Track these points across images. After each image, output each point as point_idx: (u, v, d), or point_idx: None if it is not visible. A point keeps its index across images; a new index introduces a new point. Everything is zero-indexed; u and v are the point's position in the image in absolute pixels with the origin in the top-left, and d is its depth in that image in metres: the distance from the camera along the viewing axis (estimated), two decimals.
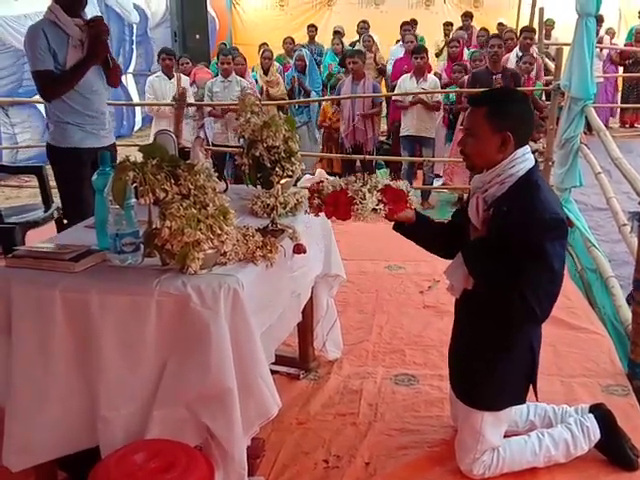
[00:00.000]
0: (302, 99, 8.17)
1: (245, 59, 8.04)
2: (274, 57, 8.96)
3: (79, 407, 2.16)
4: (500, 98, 2.35)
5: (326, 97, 8.13)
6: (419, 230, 2.52)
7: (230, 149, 6.93)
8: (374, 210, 2.26)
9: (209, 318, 2.03)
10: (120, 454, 2.01)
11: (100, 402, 2.12)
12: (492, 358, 2.40)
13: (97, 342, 2.09)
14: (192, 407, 2.11)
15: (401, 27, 9.91)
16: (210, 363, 2.04)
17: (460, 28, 10.90)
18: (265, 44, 9.78)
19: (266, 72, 8.40)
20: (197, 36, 11.45)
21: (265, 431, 2.60)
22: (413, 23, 10.48)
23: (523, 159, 2.27)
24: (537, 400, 2.58)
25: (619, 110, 11.52)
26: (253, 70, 9.19)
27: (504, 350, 2.39)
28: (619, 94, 11.62)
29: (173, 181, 2.08)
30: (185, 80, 7.68)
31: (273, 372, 2.43)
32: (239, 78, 7.38)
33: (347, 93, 7.13)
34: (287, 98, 8.18)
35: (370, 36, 9.92)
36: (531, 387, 2.49)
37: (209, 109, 7.29)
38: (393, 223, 2.49)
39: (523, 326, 2.36)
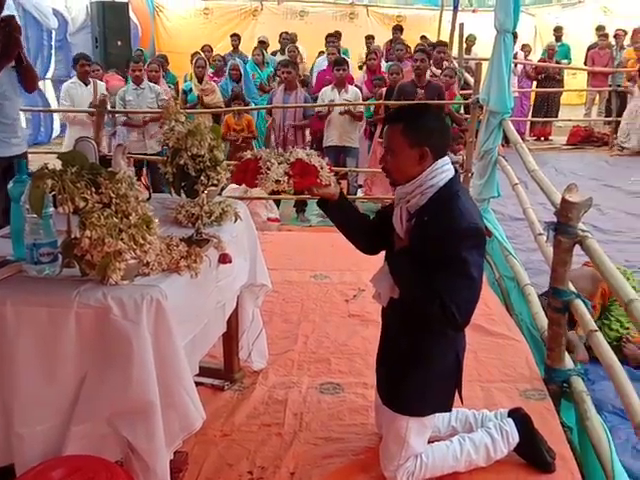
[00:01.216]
0: (238, 107, 8.11)
1: (159, 66, 7.95)
2: (208, 66, 8.92)
3: None
4: (414, 114, 2.40)
5: (260, 107, 8.08)
6: (340, 212, 2.55)
7: (148, 157, 6.85)
8: (277, 181, 2.33)
9: (131, 330, 1.99)
10: (37, 471, 1.96)
11: (14, 418, 2.04)
12: (418, 365, 2.43)
13: (12, 355, 2.02)
14: (113, 421, 2.06)
15: (326, 39, 10.02)
16: (132, 376, 2.00)
17: (390, 41, 11.10)
18: (198, 53, 9.71)
19: (200, 80, 8.35)
20: (119, 43, 11.24)
21: (188, 444, 2.56)
22: (338, 35, 10.60)
23: (442, 170, 2.32)
24: (462, 404, 2.63)
25: (529, 123, 11.94)
26: (186, 79, 9.10)
27: (430, 357, 2.42)
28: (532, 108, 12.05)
29: (94, 189, 2.04)
30: (102, 86, 7.56)
31: (197, 384, 2.40)
32: (152, 84, 7.29)
33: (279, 103, 7.11)
34: (223, 105, 8.12)
35: (295, 47, 9.97)
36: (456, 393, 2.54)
37: (123, 118, 7.16)
38: (318, 199, 2.52)
39: (448, 334, 2.41)
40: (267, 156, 2.39)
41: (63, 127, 10.97)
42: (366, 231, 2.60)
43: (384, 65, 9.58)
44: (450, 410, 2.57)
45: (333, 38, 9.95)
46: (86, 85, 7.30)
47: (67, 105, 7.39)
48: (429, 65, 7.23)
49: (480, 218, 2.34)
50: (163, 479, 2.11)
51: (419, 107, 2.51)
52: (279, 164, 2.35)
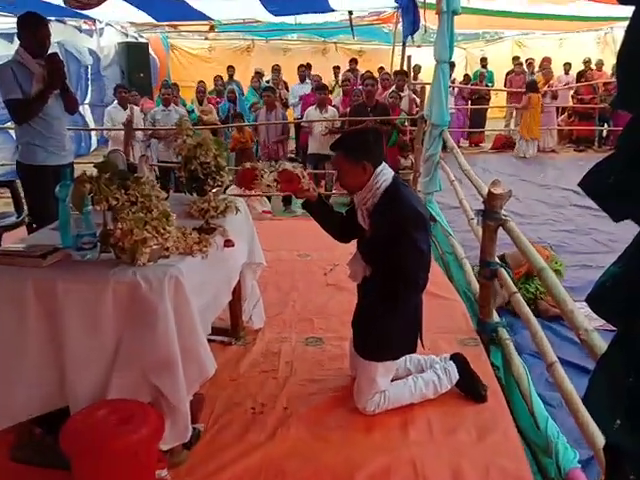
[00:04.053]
0: (232, 124, 8.04)
1: (178, 92, 7.90)
2: (207, 92, 8.86)
3: (51, 375, 2.07)
4: (348, 140, 2.44)
5: (247, 124, 8.01)
6: (318, 210, 2.59)
7: (172, 164, 6.75)
8: (268, 186, 2.40)
9: (156, 301, 1.98)
10: (86, 411, 1.96)
11: (67, 370, 2.03)
12: (386, 323, 2.45)
13: (63, 322, 2.00)
14: (144, 372, 2.05)
15: (298, 69, 9.93)
16: (157, 336, 1.99)
17: (347, 70, 11.02)
18: (202, 82, 9.60)
19: (200, 103, 8.37)
20: (141, 75, 11.05)
21: (204, 388, 2.55)
22: (308, 66, 10.54)
23: (383, 174, 2.36)
24: (424, 348, 2.64)
25: (468, 133, 11.95)
26: (192, 102, 9.02)
27: (394, 317, 2.44)
28: (468, 121, 12.04)
29: (123, 191, 2.02)
30: (137, 110, 7.48)
31: (210, 341, 2.38)
32: (177, 107, 7.25)
33: (262, 121, 7.07)
34: (219, 124, 8.05)
35: (277, 76, 9.90)
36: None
37: (151, 132, 7.11)
38: (303, 200, 2.58)
39: (408, 297, 2.43)
40: (261, 166, 2.43)
41: (99, 142, 10.85)
42: (338, 224, 2.62)
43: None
44: (414, 352, 2.59)
45: (303, 68, 9.89)
46: (124, 109, 7.24)
47: (109, 124, 7.36)
48: (377, 89, 7.21)
49: (421, 206, 2.37)
50: (185, 416, 2.11)
51: (354, 133, 2.53)
52: (270, 172, 2.40)
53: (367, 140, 2.42)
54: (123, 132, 6.61)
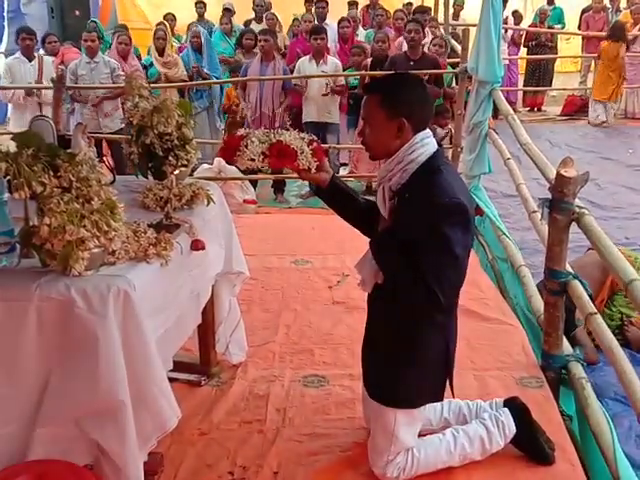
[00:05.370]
0: (202, 82, 8.01)
1: (130, 39, 7.83)
2: (170, 36, 8.79)
3: None
4: (392, 84, 2.41)
5: (232, 79, 7.98)
6: (333, 198, 2.57)
7: (103, 136, 6.77)
8: (252, 159, 2.40)
9: (96, 324, 1.98)
10: None
11: None
12: (405, 354, 2.44)
13: None
14: (80, 423, 2.06)
15: (316, 3, 9.70)
16: (99, 374, 1.99)
17: (367, 7, 10.99)
18: (162, 23, 9.56)
19: (161, 53, 8.20)
20: (77, 12, 11.08)
21: (164, 444, 2.55)
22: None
23: (422, 144, 2.32)
24: (453, 397, 2.64)
25: (521, 93, 11.93)
26: (148, 52, 8.98)
27: (417, 346, 2.43)
28: (521, 77, 12.03)
29: (52, 173, 2.02)
30: (48, 62, 7.45)
31: (171, 380, 2.40)
32: (107, 58, 7.22)
33: (255, 75, 6.94)
34: (188, 80, 8.03)
35: (273, 14, 9.79)
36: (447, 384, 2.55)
37: (71, 93, 7.07)
38: (315, 187, 2.58)
39: (436, 320, 2.41)
40: (252, 135, 2.44)
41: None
42: (366, 216, 2.59)
43: (362, 33, 9.46)
44: (441, 400, 2.59)
45: (323, 3, 9.31)
46: (30, 61, 7.21)
47: (6, 82, 7.29)
48: (423, 36, 7.11)
49: (465, 194, 2.35)
50: None
51: (399, 77, 2.50)
52: (261, 143, 2.40)
53: (417, 92, 2.39)
54: (29, 94, 6.62)
